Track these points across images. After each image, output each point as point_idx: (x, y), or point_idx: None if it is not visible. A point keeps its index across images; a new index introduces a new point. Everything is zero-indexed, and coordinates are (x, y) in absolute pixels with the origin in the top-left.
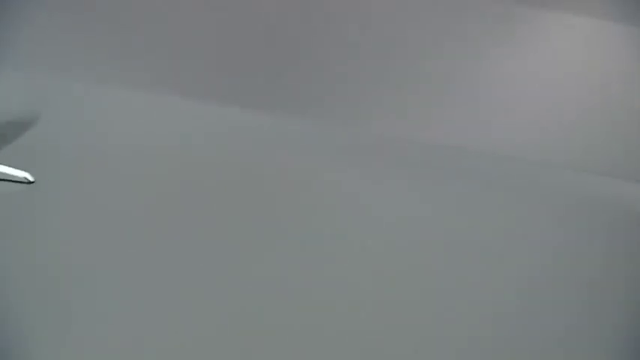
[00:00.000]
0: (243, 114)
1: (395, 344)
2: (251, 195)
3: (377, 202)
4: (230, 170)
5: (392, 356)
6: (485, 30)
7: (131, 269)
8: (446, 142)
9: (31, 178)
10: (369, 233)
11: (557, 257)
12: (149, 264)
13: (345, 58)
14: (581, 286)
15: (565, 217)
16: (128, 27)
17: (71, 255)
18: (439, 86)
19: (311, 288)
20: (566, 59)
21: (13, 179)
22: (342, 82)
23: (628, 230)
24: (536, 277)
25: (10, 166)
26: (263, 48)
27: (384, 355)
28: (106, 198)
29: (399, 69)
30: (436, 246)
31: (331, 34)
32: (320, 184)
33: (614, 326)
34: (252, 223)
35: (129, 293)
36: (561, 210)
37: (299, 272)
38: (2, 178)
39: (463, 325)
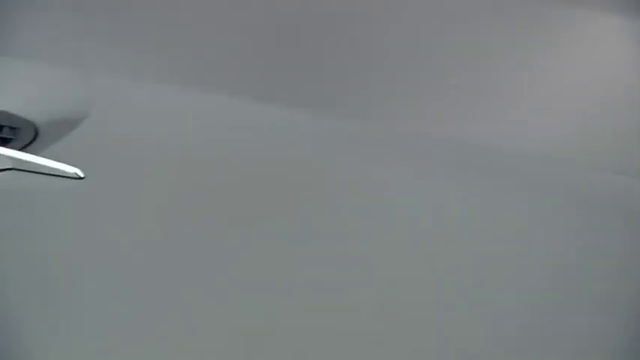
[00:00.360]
0: (275, 110)
1: (417, 343)
2: (278, 192)
3: (406, 200)
4: (263, 167)
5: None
6: (514, 29)
7: (163, 268)
8: (478, 141)
9: (81, 174)
10: (396, 232)
11: (589, 259)
12: (179, 263)
13: (375, 55)
14: (602, 289)
15: (599, 218)
16: (166, 23)
17: (109, 252)
18: (473, 84)
19: (336, 288)
20: (595, 59)
21: (63, 175)
22: (373, 79)
23: None
24: (561, 278)
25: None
26: (291, 44)
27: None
28: (147, 195)
29: (429, 67)
30: (462, 244)
31: (362, 29)
32: (349, 182)
33: (622, 326)
34: (277, 221)
35: (149, 292)
36: (596, 211)
37: (326, 271)
38: (53, 173)
39: (487, 324)
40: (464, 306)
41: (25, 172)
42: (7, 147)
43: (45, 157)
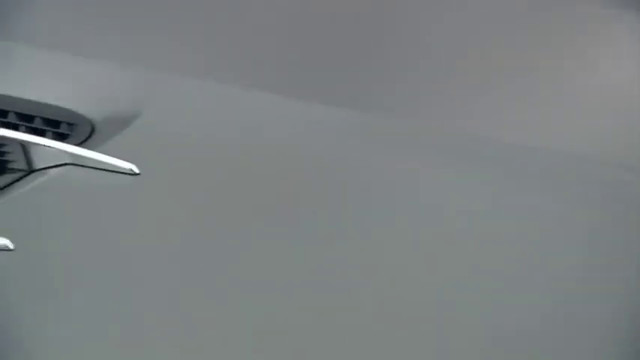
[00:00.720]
0: (326, 110)
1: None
2: (330, 191)
3: (436, 198)
4: (312, 167)
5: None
6: (549, 29)
7: (212, 265)
8: (532, 144)
9: (136, 170)
10: (426, 231)
11: (615, 259)
12: (227, 259)
13: (411, 53)
14: (625, 288)
15: (628, 217)
16: (217, 20)
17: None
18: (525, 86)
19: (365, 286)
20: (622, 58)
21: (119, 171)
22: (409, 76)
23: None
24: (589, 277)
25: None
26: (347, 44)
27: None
28: (198, 191)
29: (459, 65)
30: (490, 243)
31: (415, 29)
32: (399, 182)
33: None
34: (327, 221)
35: (198, 289)
36: (624, 210)
37: (359, 269)
38: (109, 169)
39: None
40: (495, 304)
41: (82, 168)
42: (65, 142)
43: (100, 153)
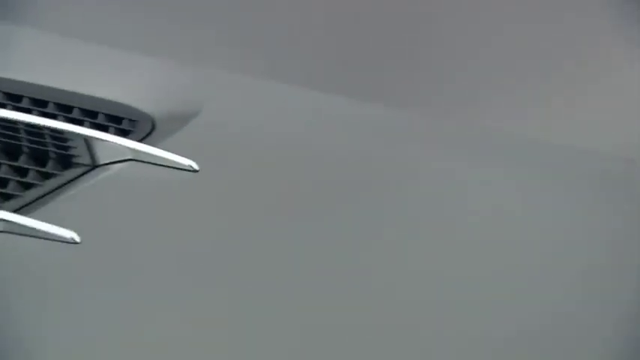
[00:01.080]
0: (375, 110)
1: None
2: (358, 187)
3: (486, 199)
4: (367, 166)
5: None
6: (597, 31)
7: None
8: (561, 142)
9: (196, 167)
10: (475, 229)
11: None
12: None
13: (459, 52)
14: None
15: None
16: (280, 23)
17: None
18: (557, 84)
19: (414, 285)
20: None
21: (178, 167)
22: (457, 76)
23: None
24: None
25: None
26: (377, 40)
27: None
28: (253, 189)
29: (513, 64)
30: (540, 246)
31: (448, 27)
32: (429, 178)
33: None
34: (355, 217)
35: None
36: None
37: (404, 268)
38: (169, 165)
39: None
40: (545, 305)
41: (142, 163)
42: (126, 139)
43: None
